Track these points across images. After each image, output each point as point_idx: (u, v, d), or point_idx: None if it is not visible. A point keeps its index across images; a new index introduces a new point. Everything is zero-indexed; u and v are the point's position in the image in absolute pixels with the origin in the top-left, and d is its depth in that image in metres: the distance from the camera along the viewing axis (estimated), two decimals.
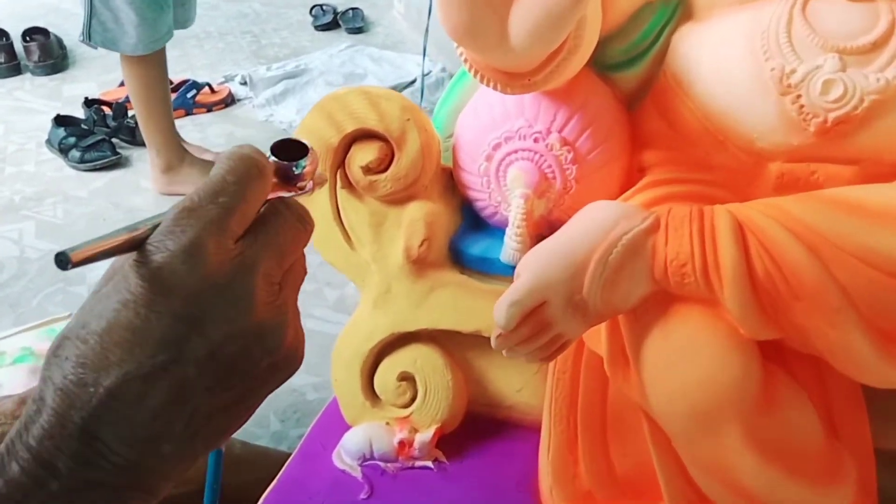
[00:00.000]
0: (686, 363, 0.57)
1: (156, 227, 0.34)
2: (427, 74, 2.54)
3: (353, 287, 1.70)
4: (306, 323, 1.41)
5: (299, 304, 0.41)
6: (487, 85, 0.61)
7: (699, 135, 0.71)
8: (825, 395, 0.66)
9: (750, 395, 0.57)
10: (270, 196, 0.39)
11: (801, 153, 0.67)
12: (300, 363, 0.39)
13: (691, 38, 0.72)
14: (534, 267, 0.58)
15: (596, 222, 0.59)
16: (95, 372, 0.32)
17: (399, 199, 0.77)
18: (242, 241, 0.36)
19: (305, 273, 0.42)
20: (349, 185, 0.78)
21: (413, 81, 2.71)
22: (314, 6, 3.34)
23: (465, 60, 0.60)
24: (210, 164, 1.69)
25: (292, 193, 0.40)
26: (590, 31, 0.60)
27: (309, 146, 0.40)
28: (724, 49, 0.69)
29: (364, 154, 0.76)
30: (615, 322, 0.65)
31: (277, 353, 0.37)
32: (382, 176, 0.76)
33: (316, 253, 1.84)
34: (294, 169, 0.39)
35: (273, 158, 0.39)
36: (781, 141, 0.67)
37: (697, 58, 0.71)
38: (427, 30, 2.06)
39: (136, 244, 0.33)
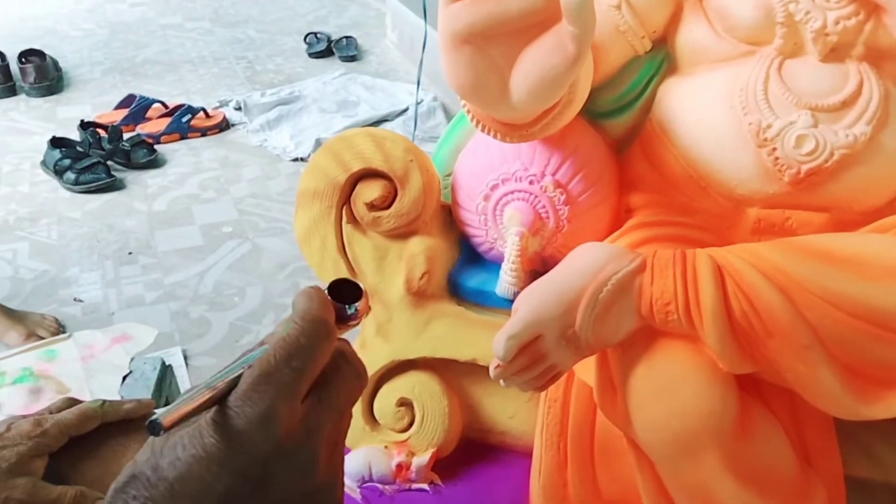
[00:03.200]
0: (669, 394, 0.62)
1: (232, 383, 0.36)
2: (420, 103, 2.60)
3: None
4: None
5: None
6: (488, 134, 0.66)
7: (683, 180, 0.77)
8: (798, 425, 0.71)
9: (727, 424, 0.61)
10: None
11: (776, 200, 0.72)
12: None
13: (676, 90, 0.78)
14: (530, 303, 0.63)
15: (587, 263, 0.64)
16: None
17: (401, 234, 0.82)
18: (308, 400, 0.37)
19: (351, 420, 0.42)
20: (354, 220, 0.83)
21: (406, 110, 2.76)
22: (308, 34, 3.40)
23: (468, 111, 0.65)
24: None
25: (342, 331, 0.42)
26: (582, 87, 0.66)
27: (363, 288, 0.42)
28: (705, 103, 0.74)
29: (369, 192, 0.80)
30: (604, 354, 0.69)
31: None
32: (386, 212, 0.81)
33: (311, 278, 1.87)
34: (348, 310, 0.41)
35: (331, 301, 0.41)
36: (758, 189, 0.72)
37: (681, 109, 0.76)
38: (421, 60, 2.11)
39: (216, 401, 0.35)
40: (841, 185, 0.70)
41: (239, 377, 0.36)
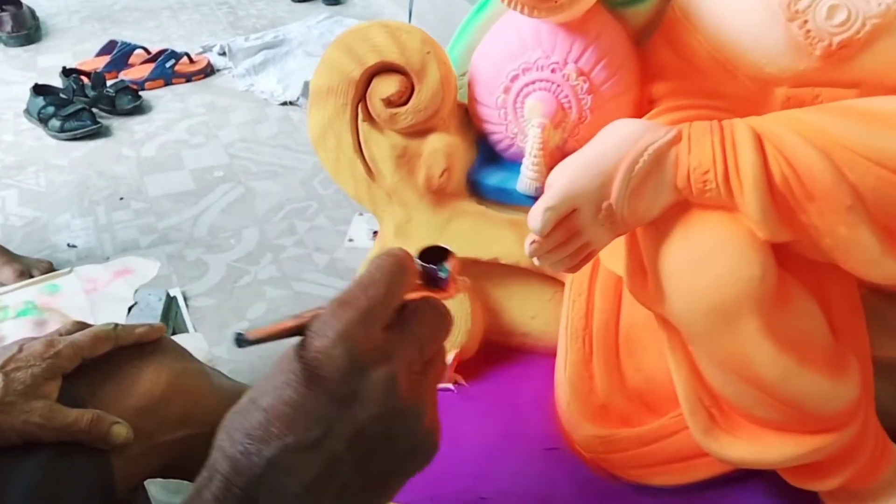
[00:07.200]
0: (707, 264, 0.61)
1: (315, 313, 0.38)
2: None
3: (342, 251, 1.72)
4: (298, 286, 1.44)
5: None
6: (515, 8, 0.64)
7: (708, 65, 0.76)
8: (826, 304, 0.71)
9: (768, 290, 0.61)
10: (416, 296, 0.42)
11: (806, 77, 0.71)
12: (437, 448, 0.42)
13: None
14: (566, 176, 0.62)
15: (623, 135, 0.63)
16: (260, 443, 0.36)
17: (419, 131, 0.80)
18: (388, 331, 0.39)
19: (445, 368, 0.44)
20: (370, 118, 0.81)
21: None
22: None
23: None
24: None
25: (438, 296, 0.43)
26: None
27: (452, 252, 0.43)
28: None
29: (385, 87, 0.78)
30: (634, 238, 0.69)
31: (416, 437, 0.40)
32: (403, 109, 0.79)
33: (306, 220, 1.86)
34: (440, 273, 0.43)
35: (419, 263, 0.42)
36: (788, 66, 0.71)
37: None
38: (410, 3, 2.07)
39: (299, 330, 0.38)
40: (872, 58, 0.69)
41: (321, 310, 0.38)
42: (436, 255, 0.43)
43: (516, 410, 0.83)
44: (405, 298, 0.41)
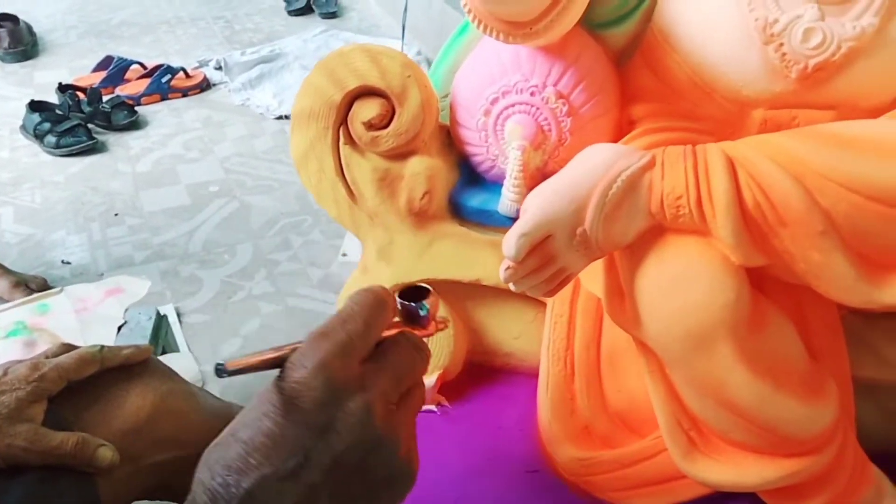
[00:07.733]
0: (682, 289, 0.61)
1: (295, 348, 0.39)
2: None
3: (336, 265, 1.72)
4: (292, 301, 1.43)
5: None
6: (490, 35, 0.64)
7: (687, 87, 0.76)
8: (805, 325, 0.71)
9: (742, 316, 0.61)
10: (394, 332, 0.43)
11: (782, 100, 0.71)
12: (414, 479, 0.42)
13: None
14: (540, 202, 0.62)
15: (597, 161, 0.63)
16: (238, 474, 0.37)
17: (400, 153, 0.80)
18: (365, 364, 0.40)
19: (423, 402, 0.45)
20: (351, 141, 0.81)
21: None
22: None
23: (470, 11, 0.64)
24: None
25: (418, 333, 0.44)
26: None
27: (431, 290, 0.45)
28: (709, 4, 0.73)
29: (366, 110, 0.78)
30: (612, 260, 0.69)
31: (391, 466, 0.41)
32: (384, 132, 0.79)
33: (300, 234, 1.85)
34: (419, 311, 0.44)
35: (400, 301, 0.44)
36: (765, 88, 0.71)
37: (684, 14, 0.75)
38: (404, 16, 2.08)
39: (279, 362, 0.39)
40: (848, 80, 0.69)
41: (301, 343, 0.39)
42: (417, 293, 0.44)
43: (499, 432, 0.83)
44: (383, 334, 0.42)
